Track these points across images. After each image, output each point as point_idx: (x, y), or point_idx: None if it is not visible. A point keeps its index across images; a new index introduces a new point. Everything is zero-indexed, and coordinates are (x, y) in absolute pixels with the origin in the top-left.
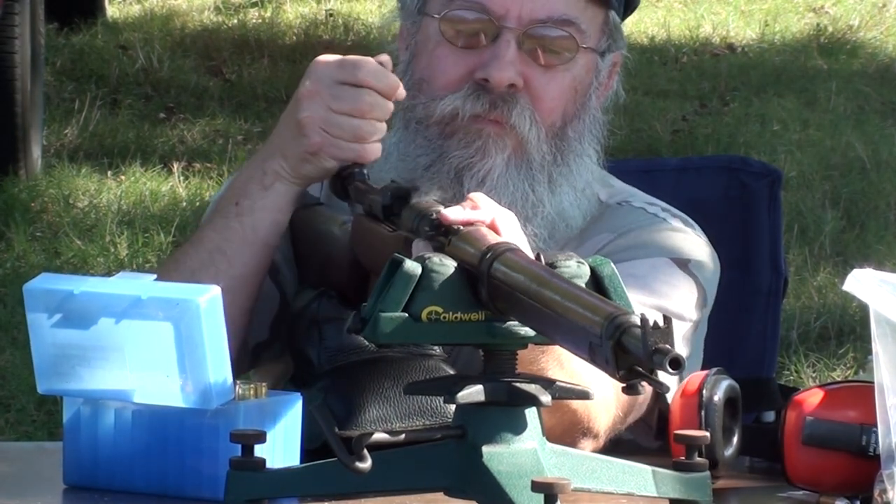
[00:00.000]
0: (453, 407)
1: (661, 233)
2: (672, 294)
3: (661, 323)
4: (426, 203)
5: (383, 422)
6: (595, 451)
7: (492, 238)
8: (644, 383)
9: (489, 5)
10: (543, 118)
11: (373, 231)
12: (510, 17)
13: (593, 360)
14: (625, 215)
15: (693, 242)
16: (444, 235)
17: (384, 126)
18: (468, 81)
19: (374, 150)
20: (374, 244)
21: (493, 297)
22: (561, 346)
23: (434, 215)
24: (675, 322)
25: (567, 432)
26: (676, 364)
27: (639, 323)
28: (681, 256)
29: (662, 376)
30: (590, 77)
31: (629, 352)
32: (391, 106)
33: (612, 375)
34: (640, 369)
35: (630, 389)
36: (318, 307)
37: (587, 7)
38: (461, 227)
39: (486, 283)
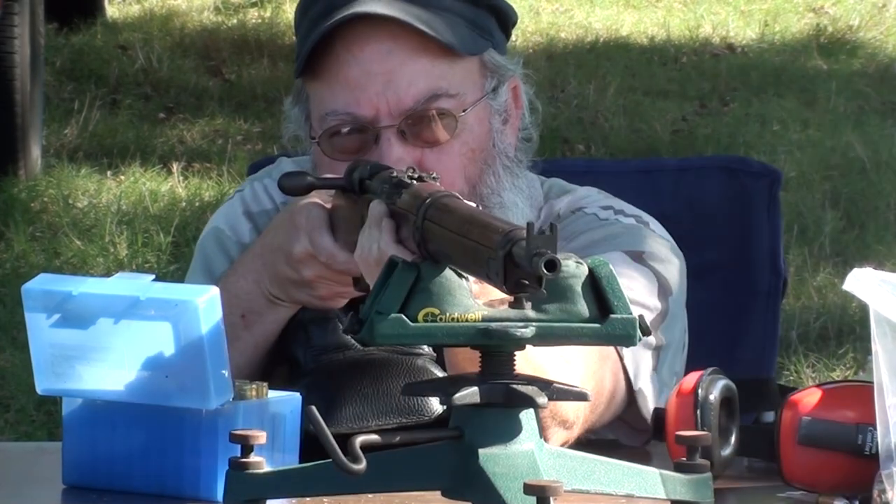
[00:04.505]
0: (431, 406)
1: (612, 231)
2: (630, 284)
3: (547, 231)
4: (391, 170)
5: (359, 419)
6: (569, 441)
7: (436, 188)
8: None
9: (357, 112)
10: None
11: (347, 206)
12: (381, 116)
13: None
14: (576, 221)
15: (646, 236)
16: (397, 194)
17: None
18: None
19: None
20: (348, 218)
21: (426, 241)
22: (469, 271)
23: (395, 173)
24: (639, 309)
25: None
26: (552, 266)
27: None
28: (634, 249)
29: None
30: (485, 126)
31: (517, 264)
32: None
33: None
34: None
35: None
36: (304, 309)
37: (453, 67)
38: (413, 182)
39: (420, 227)
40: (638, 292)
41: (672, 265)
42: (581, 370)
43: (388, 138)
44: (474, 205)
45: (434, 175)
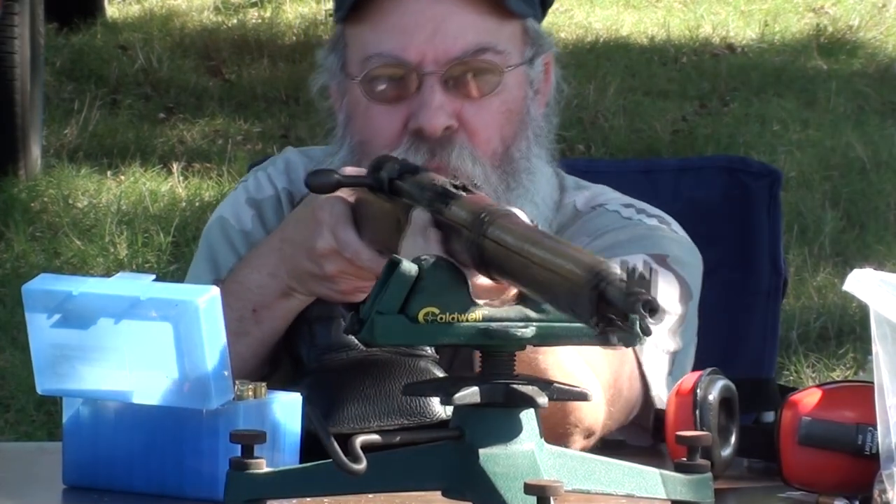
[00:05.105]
0: (433, 408)
1: (637, 233)
2: None
3: (646, 274)
4: (431, 176)
5: (361, 420)
6: (587, 447)
7: (489, 202)
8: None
9: (404, 56)
10: (483, 151)
11: (373, 203)
12: (427, 62)
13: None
14: (597, 218)
15: (670, 238)
16: (443, 203)
17: None
18: (405, 134)
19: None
20: (375, 215)
21: (484, 259)
22: (547, 300)
23: (436, 180)
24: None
25: (552, 429)
26: (652, 309)
27: (621, 273)
28: (658, 252)
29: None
30: (522, 91)
31: (609, 301)
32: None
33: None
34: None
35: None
36: (309, 306)
37: (500, 26)
38: (461, 194)
39: (479, 244)
40: (660, 296)
41: (693, 268)
42: (606, 375)
43: (431, 85)
44: (531, 221)
45: (476, 183)
